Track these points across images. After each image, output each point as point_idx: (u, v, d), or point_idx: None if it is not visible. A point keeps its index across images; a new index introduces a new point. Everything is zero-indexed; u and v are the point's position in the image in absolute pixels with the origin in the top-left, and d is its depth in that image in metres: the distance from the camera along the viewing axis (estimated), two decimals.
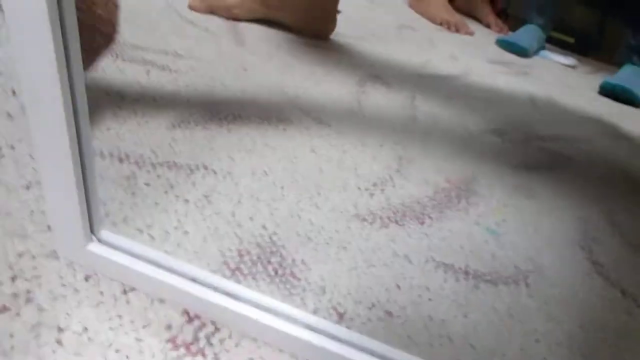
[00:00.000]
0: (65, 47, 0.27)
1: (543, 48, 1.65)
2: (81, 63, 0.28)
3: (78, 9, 0.27)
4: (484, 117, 0.89)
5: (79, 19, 0.27)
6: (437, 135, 0.74)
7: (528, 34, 1.59)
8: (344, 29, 1.11)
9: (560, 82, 1.40)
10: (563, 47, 1.82)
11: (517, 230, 0.57)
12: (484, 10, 1.90)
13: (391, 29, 1.40)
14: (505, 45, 1.56)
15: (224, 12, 0.96)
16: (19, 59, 0.25)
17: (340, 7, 1.03)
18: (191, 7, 0.96)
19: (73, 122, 0.29)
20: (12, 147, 0.39)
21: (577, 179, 0.76)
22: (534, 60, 1.57)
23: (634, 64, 1.43)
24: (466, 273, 0.46)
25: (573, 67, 1.65)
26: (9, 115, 0.40)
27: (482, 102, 0.97)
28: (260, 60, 0.80)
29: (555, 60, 1.64)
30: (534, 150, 0.81)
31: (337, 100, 0.75)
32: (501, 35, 1.63)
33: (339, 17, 1.04)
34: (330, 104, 0.73)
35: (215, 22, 0.92)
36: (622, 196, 0.76)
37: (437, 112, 0.83)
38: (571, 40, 1.80)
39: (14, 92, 0.41)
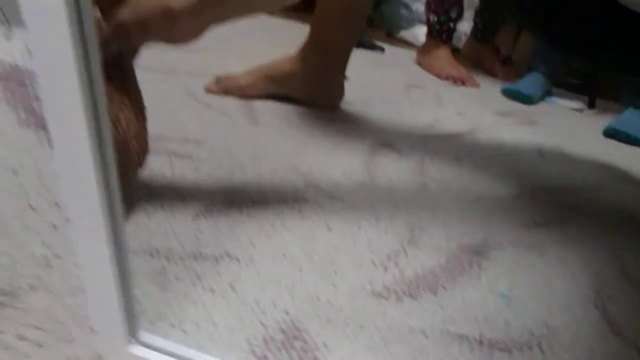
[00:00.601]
0: (104, 167, 0.31)
1: (549, 94, 1.69)
2: (117, 179, 0.33)
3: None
4: (492, 175, 0.92)
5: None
6: (447, 200, 0.78)
7: (532, 81, 1.64)
8: (352, 95, 1.17)
9: (568, 128, 1.44)
10: (570, 89, 1.86)
11: (529, 293, 0.59)
12: (490, 58, 1.96)
13: (399, 89, 1.46)
14: (510, 94, 1.61)
15: (238, 92, 1.03)
16: (63, 176, 0.30)
17: (347, 72, 1.08)
18: (208, 90, 1.03)
19: (112, 233, 0.33)
20: (58, 256, 0.43)
21: (588, 231, 0.78)
22: (541, 107, 1.61)
23: (636, 107, 1.46)
24: (480, 343, 0.49)
25: (580, 110, 1.68)
26: (54, 226, 0.44)
27: (490, 160, 1.01)
28: (274, 140, 0.86)
29: (562, 105, 1.67)
30: (543, 205, 0.84)
31: (349, 173, 0.80)
32: (506, 84, 1.68)
33: (346, 83, 1.09)
34: (342, 178, 0.77)
35: (231, 103, 0.98)
36: (635, 245, 0.78)
37: (446, 175, 0.87)
38: (577, 82, 1.84)
39: (57, 205, 0.46)
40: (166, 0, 0.61)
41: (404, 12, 2.30)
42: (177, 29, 0.63)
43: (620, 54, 0.79)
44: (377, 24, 2.33)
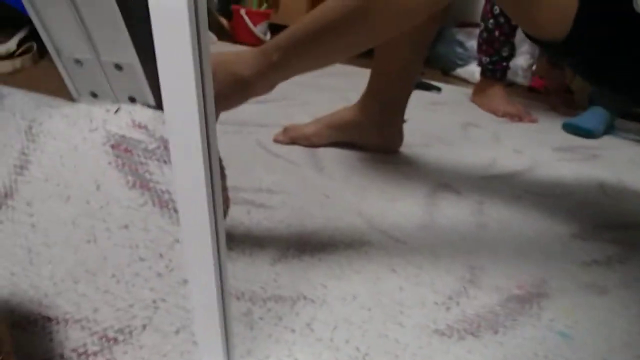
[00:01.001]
0: (216, 229, 0.38)
1: (612, 127, 1.68)
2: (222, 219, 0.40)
3: None
4: (552, 213, 0.95)
5: None
6: (506, 239, 0.81)
7: (594, 115, 1.63)
8: (411, 138, 1.23)
9: (632, 162, 1.42)
10: (637, 119, 1.82)
11: (590, 332, 0.61)
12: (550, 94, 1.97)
13: (456, 129, 1.50)
14: (571, 128, 1.61)
15: (304, 141, 1.11)
16: (184, 241, 0.37)
17: (405, 115, 1.14)
18: (276, 141, 1.12)
19: (220, 282, 0.40)
20: (164, 300, 0.51)
21: None
22: (603, 141, 1.60)
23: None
24: None
25: None
26: (159, 274, 0.53)
27: (550, 198, 1.03)
28: (338, 185, 0.92)
29: (626, 137, 1.65)
30: (604, 243, 0.85)
31: (410, 215, 0.85)
32: (567, 119, 1.68)
33: (405, 125, 1.15)
34: (404, 221, 0.82)
35: (297, 152, 1.06)
36: None
37: (505, 214, 0.90)
38: None
39: (161, 256, 0.54)
40: (236, 70, 0.70)
41: (459, 50, 2.35)
42: (249, 91, 0.72)
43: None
44: (433, 63, 2.39)
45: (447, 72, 2.32)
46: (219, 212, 0.36)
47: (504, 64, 1.74)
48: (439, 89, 1.89)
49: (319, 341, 0.53)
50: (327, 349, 0.52)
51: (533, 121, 1.68)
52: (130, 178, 0.61)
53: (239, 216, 0.76)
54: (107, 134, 0.65)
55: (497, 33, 1.70)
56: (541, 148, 1.41)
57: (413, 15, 0.71)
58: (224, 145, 1.05)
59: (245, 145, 1.07)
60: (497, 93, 1.75)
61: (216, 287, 0.38)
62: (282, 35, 0.70)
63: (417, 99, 1.78)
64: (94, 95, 0.67)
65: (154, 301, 0.52)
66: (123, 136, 0.65)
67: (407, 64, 1.03)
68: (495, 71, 1.74)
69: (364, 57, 0.95)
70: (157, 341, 0.48)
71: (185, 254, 0.37)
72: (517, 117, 1.67)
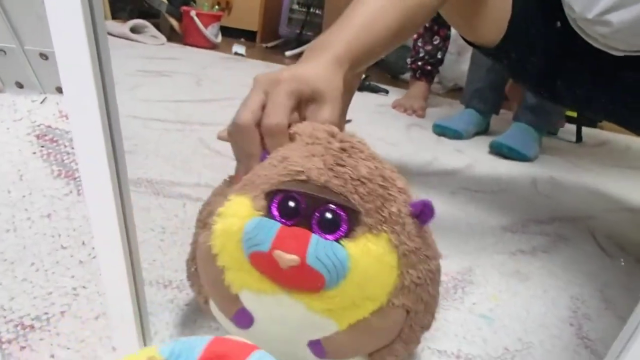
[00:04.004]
0: (124, 209, 0.38)
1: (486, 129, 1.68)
2: (133, 219, 0.40)
3: None
4: (486, 208, 0.98)
5: None
6: (439, 233, 0.83)
7: (463, 118, 1.60)
8: None
9: (565, 161, 1.49)
10: (571, 121, 1.87)
11: (509, 314, 0.64)
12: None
13: (401, 129, 1.54)
14: (439, 129, 1.55)
15: None
16: (91, 218, 0.37)
17: (349, 115, 1.15)
18: (220, 138, 1.11)
19: (131, 266, 0.40)
20: (84, 287, 0.50)
21: (571, 258, 0.83)
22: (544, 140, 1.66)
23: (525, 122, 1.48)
24: (458, 357, 0.54)
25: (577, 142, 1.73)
26: (81, 261, 0.52)
27: (485, 194, 1.07)
28: None
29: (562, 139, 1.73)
30: (532, 235, 0.89)
31: None
32: (438, 120, 1.68)
33: (349, 126, 1.17)
34: None
35: None
36: (615, 269, 0.82)
37: (440, 209, 0.93)
38: (574, 114, 1.85)
39: (84, 244, 0.53)
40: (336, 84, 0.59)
41: (408, 54, 2.40)
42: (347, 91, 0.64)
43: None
44: (382, 67, 2.44)
45: (395, 76, 2.37)
46: (126, 197, 0.36)
47: (419, 63, 1.80)
48: (386, 92, 1.93)
49: None
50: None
51: (420, 116, 1.73)
52: (55, 168, 0.60)
53: (174, 209, 0.76)
54: (32, 124, 0.64)
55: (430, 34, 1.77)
56: (482, 148, 1.46)
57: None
58: (166, 142, 1.05)
59: (187, 142, 1.06)
60: (413, 91, 1.81)
61: (127, 272, 0.38)
62: (354, 47, 0.55)
63: (365, 101, 1.82)
64: (20, 85, 0.66)
65: (74, 288, 0.51)
66: (49, 126, 0.64)
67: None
68: (415, 70, 1.82)
69: None
70: (76, 327, 0.48)
71: (95, 241, 0.37)
72: (409, 111, 1.73)
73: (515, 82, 1.24)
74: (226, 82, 1.71)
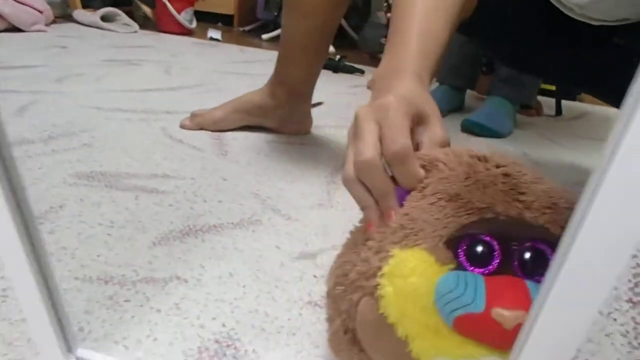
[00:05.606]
0: (22, 222, 0.37)
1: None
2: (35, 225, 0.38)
3: None
4: None
5: None
6: None
7: (437, 94, 1.56)
8: (325, 120, 1.23)
9: (540, 136, 1.48)
10: (548, 95, 1.84)
11: None
12: None
13: None
14: None
15: (211, 126, 1.09)
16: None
17: (322, 97, 1.14)
18: (182, 127, 1.10)
19: (38, 268, 0.38)
20: (12, 288, 0.49)
21: None
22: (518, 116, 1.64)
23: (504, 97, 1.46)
24: None
25: (556, 116, 1.72)
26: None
27: None
28: (240, 169, 0.92)
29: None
30: None
31: (308, 194, 0.85)
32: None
33: (321, 108, 1.15)
34: (301, 200, 0.82)
35: (203, 138, 1.04)
36: None
37: None
38: (552, 87, 1.83)
39: None
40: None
41: (385, 33, 2.37)
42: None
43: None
44: (360, 46, 2.41)
45: (374, 56, 2.34)
46: (19, 189, 0.34)
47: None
48: (362, 72, 1.90)
49: (185, 319, 0.52)
50: (190, 327, 0.51)
51: None
52: None
53: (124, 202, 0.74)
54: None
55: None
56: (455, 127, 1.44)
57: None
58: (127, 133, 1.03)
59: (148, 132, 1.04)
60: None
61: (32, 272, 0.37)
62: (427, 59, 0.53)
63: (339, 81, 1.79)
64: None
65: (4, 290, 0.49)
66: None
67: (312, 49, 1.03)
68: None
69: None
70: (4, 330, 0.46)
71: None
72: None
73: (490, 57, 1.21)
74: (196, 69, 1.67)
